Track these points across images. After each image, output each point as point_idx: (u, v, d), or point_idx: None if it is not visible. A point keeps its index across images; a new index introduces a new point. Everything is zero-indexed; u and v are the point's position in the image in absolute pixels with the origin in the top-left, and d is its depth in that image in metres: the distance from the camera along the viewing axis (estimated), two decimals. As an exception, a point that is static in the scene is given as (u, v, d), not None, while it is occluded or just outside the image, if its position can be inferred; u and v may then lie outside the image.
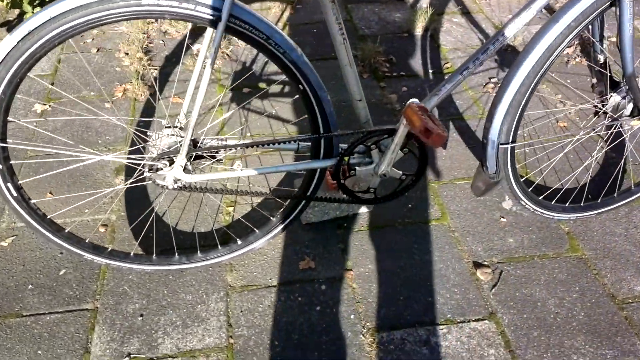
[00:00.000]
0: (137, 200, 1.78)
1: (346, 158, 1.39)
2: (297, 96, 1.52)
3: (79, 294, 1.53)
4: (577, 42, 2.66)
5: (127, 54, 2.38)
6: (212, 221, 1.74)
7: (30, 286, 1.54)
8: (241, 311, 1.51)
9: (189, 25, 2.56)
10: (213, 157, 1.35)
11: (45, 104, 2.15)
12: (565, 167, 1.97)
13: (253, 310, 1.51)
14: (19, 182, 1.30)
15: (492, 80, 2.39)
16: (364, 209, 1.75)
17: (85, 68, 2.30)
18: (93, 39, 2.52)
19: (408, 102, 1.26)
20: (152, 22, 2.60)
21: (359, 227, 1.74)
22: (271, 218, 1.55)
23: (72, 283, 1.55)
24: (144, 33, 2.49)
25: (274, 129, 2.09)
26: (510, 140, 1.48)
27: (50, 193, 1.81)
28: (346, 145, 1.39)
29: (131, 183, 1.39)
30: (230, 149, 1.36)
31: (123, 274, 1.58)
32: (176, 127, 1.33)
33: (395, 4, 2.88)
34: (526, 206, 1.68)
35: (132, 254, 1.52)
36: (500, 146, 1.48)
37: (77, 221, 1.72)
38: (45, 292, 1.53)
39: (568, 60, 2.55)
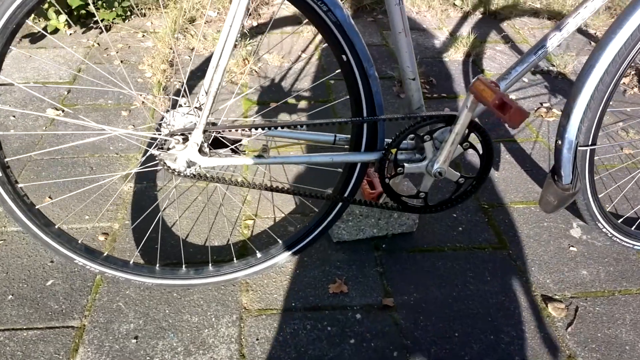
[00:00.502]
0: (144, 208, 1.55)
1: (393, 151, 1.15)
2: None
3: (65, 309, 1.27)
4: (633, 72, 2.44)
5: (150, 66, 2.24)
6: (228, 233, 1.49)
7: (10, 296, 1.30)
8: (257, 339, 1.23)
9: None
10: (234, 142, 1.13)
11: (58, 110, 1.99)
12: (638, 195, 1.70)
13: (271, 339, 1.23)
14: (6, 160, 1.09)
15: (544, 105, 2.16)
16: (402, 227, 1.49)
17: (105, 77, 2.15)
18: (117, 52, 2.40)
19: (475, 78, 1.03)
20: (179, 39, 2.48)
21: (401, 250, 1.47)
22: (297, 226, 1.30)
23: (59, 295, 1.30)
24: (170, 48, 2.36)
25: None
26: (590, 142, 1.24)
27: (50, 197, 1.59)
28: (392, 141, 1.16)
29: (141, 167, 1.16)
30: (253, 130, 1.14)
31: (119, 287, 1.33)
32: (195, 107, 1.12)
33: (433, 32, 2.72)
34: (603, 230, 1.40)
35: (131, 263, 1.28)
36: (578, 149, 1.23)
37: (75, 228, 1.49)
38: (27, 305, 1.28)
39: (625, 90, 2.32)
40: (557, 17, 2.85)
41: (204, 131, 1.05)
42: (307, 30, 2.66)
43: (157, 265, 1.29)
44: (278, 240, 1.30)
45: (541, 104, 2.18)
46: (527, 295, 1.35)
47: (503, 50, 2.59)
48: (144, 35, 2.53)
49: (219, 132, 1.11)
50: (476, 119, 1.14)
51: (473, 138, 1.15)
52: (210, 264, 1.31)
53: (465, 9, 2.88)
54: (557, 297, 1.36)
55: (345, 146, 1.20)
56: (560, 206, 1.31)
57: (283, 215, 1.56)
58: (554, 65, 2.44)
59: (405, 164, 1.17)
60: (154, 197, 1.60)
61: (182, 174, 1.09)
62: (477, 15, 2.89)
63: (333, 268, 1.41)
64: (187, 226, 1.52)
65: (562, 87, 2.30)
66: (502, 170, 1.79)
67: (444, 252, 1.48)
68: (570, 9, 2.82)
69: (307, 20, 1.02)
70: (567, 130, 1.21)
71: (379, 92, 1.09)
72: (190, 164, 1.08)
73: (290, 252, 1.30)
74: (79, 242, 1.22)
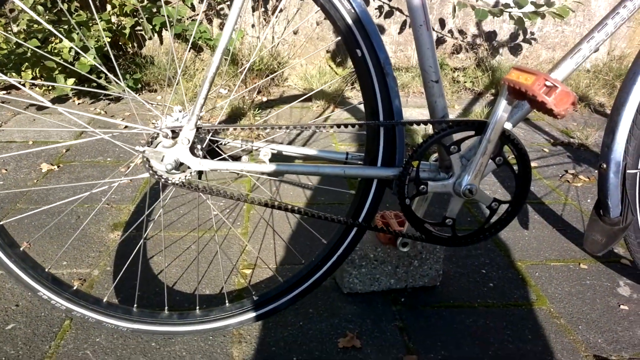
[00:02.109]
0: (129, 255, 1.37)
1: (415, 164, 1.00)
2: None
3: (22, 355, 1.05)
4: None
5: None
6: (222, 281, 1.29)
7: (-44, 342, 1.08)
8: (249, 400, 0.99)
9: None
10: (234, 158, 0.99)
11: (53, 165, 1.88)
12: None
13: (267, 401, 0.99)
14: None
15: (570, 172, 2.03)
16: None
17: (109, 141, 2.08)
18: (123, 119, 2.35)
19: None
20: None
21: (424, 304, 1.26)
22: (302, 262, 1.11)
23: (17, 340, 1.09)
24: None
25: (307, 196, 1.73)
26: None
27: (28, 243, 1.43)
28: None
29: (127, 174, 1.02)
30: (256, 144, 1.01)
31: (89, 334, 1.11)
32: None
33: (446, 110, 2.69)
34: (663, 279, 1.19)
35: (104, 302, 1.07)
36: (627, 172, 1.08)
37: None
38: (-26, 351, 1.06)
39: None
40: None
41: (197, 128, 0.92)
42: (317, 105, 2.63)
43: (135, 306, 1.09)
44: (279, 277, 1.10)
45: (566, 171, 2.05)
46: (576, 355, 1.11)
47: (520, 126, 2.52)
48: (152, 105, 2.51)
49: (214, 137, 0.98)
50: (510, 130, 1.00)
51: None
52: (197, 308, 1.11)
53: (477, 89, 2.88)
54: (613, 358, 1.11)
55: (359, 162, 1.06)
56: (610, 245, 1.12)
57: (287, 265, 1.36)
58: (573, 138, 2.35)
59: (429, 182, 1.01)
60: (143, 245, 1.43)
61: (169, 181, 0.94)
62: (489, 97, 2.88)
63: (343, 321, 1.19)
64: (176, 274, 1.33)
65: (586, 157, 2.19)
66: (532, 229, 1.61)
67: (474, 309, 1.26)
68: (585, 90, 2.80)
69: (318, 9, 0.93)
70: (612, 150, 1.07)
71: (397, 94, 0.97)
72: (179, 166, 0.93)
73: (294, 294, 1.10)
74: (45, 270, 1.04)
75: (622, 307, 1.28)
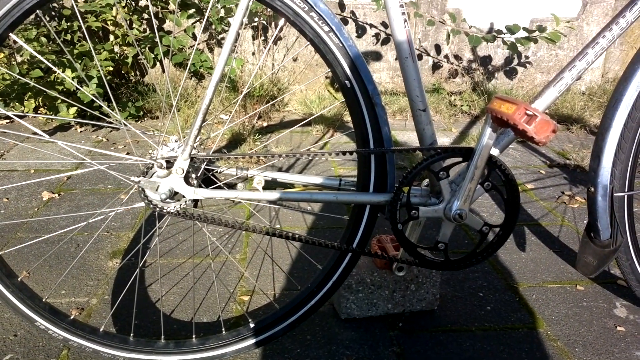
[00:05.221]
0: (127, 283, 1.39)
1: (405, 189, 1.02)
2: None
3: (17, 387, 1.06)
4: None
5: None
6: (219, 309, 1.30)
7: (-46, 373, 1.09)
8: None
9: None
10: (229, 186, 1.01)
11: (54, 193, 1.91)
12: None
13: None
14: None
15: (566, 193, 2.05)
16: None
17: (107, 165, 2.11)
18: (125, 146, 2.39)
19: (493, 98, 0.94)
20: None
21: (421, 329, 1.26)
22: (298, 288, 1.12)
23: (12, 372, 1.10)
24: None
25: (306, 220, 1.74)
26: (627, 188, 1.10)
27: (27, 273, 1.44)
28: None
29: (124, 203, 1.04)
30: (251, 172, 1.03)
31: (86, 364, 1.12)
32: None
33: (442, 132, 2.72)
34: (658, 300, 1.19)
35: (101, 331, 1.08)
36: (615, 195, 1.09)
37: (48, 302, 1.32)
38: (-29, 382, 1.07)
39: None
40: (566, 121, 2.85)
41: (192, 158, 0.94)
42: (316, 130, 2.67)
43: (131, 335, 1.10)
44: (275, 305, 1.11)
45: (562, 192, 2.06)
46: (577, 378, 1.11)
47: (516, 148, 2.55)
48: (154, 132, 2.55)
49: (209, 166, 1.00)
50: (497, 156, 1.02)
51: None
52: (193, 337, 1.11)
53: (474, 113, 2.91)
54: (614, 382, 1.11)
55: (352, 188, 1.08)
56: (601, 266, 1.13)
57: (286, 292, 1.37)
58: (569, 159, 2.37)
59: (420, 207, 1.03)
60: (140, 273, 1.44)
61: (164, 210, 0.96)
62: (486, 119, 2.90)
63: (341, 347, 1.19)
64: (173, 302, 1.34)
65: (582, 178, 2.20)
66: (529, 251, 1.62)
67: (471, 332, 1.26)
68: (580, 112, 2.83)
69: (308, 43, 0.96)
70: (599, 174, 1.08)
71: (386, 122, 0.99)
72: (174, 195, 0.95)
73: (290, 321, 1.10)
74: (43, 300, 1.05)
75: (618, 328, 1.28)
